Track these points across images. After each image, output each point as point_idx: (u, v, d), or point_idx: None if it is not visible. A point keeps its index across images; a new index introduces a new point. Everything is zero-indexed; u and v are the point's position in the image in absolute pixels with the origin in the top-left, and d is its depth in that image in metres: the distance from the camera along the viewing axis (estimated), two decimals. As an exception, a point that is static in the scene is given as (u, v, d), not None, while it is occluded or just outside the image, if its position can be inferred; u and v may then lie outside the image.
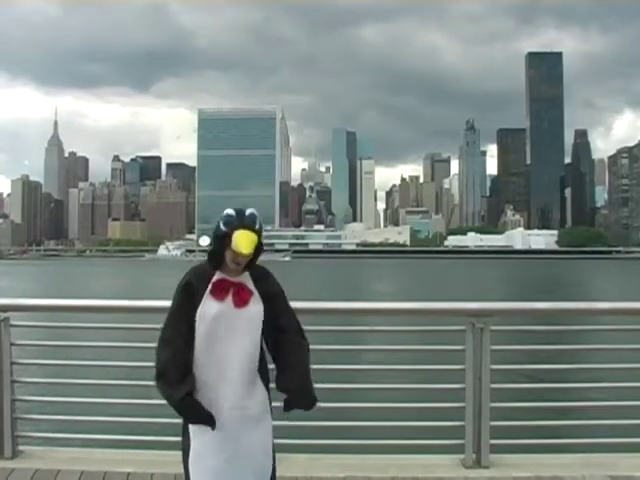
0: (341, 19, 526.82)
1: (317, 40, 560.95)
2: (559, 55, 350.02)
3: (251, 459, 3.30)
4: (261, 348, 3.40)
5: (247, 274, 3.39)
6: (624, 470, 4.76)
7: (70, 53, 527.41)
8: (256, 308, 3.34)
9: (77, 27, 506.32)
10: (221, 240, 3.25)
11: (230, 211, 3.28)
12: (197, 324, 3.27)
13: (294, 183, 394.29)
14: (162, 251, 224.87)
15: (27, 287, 54.92)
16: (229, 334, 3.28)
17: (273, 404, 3.45)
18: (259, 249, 3.31)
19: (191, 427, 3.30)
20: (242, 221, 3.23)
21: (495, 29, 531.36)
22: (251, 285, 3.38)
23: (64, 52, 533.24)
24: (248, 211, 3.29)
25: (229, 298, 3.31)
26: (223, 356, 3.26)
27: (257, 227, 3.26)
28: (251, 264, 3.38)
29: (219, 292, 3.32)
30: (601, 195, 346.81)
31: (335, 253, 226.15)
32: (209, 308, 3.29)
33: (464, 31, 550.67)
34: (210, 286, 3.32)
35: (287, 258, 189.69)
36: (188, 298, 3.32)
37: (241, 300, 3.32)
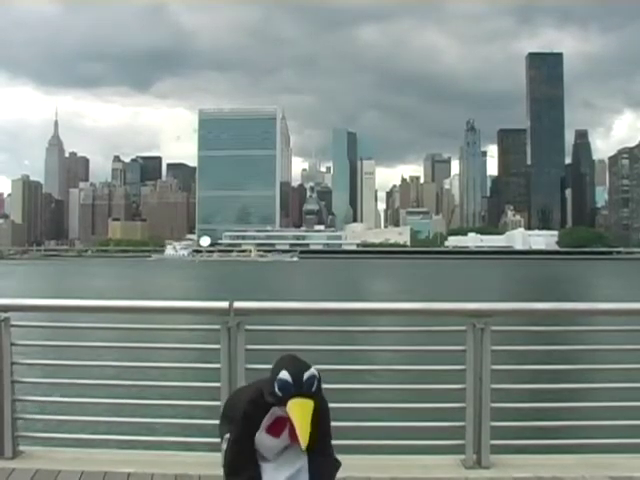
0: (341, 19, 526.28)
1: (317, 40, 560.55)
2: (559, 56, 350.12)
3: None
4: None
5: None
6: (624, 471, 4.75)
7: (70, 53, 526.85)
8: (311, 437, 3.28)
9: (77, 27, 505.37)
10: (276, 401, 3.19)
11: (287, 376, 3.15)
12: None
13: (295, 183, 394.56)
14: (169, 251, 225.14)
15: (31, 287, 54.96)
16: (284, 467, 3.31)
17: None
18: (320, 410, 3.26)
19: None
20: (299, 390, 3.14)
21: (495, 29, 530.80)
22: None
23: (64, 52, 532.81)
24: (307, 375, 3.18)
25: (285, 434, 3.28)
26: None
27: (314, 389, 3.17)
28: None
29: (275, 430, 3.28)
30: (601, 196, 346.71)
31: (336, 253, 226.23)
32: (265, 443, 3.30)
33: (464, 31, 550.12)
34: (266, 422, 3.28)
35: (294, 258, 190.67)
36: (247, 428, 3.31)
37: (297, 437, 3.21)
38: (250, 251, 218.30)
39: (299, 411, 3.10)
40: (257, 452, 3.32)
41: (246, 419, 3.31)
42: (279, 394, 3.13)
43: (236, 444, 3.33)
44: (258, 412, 3.29)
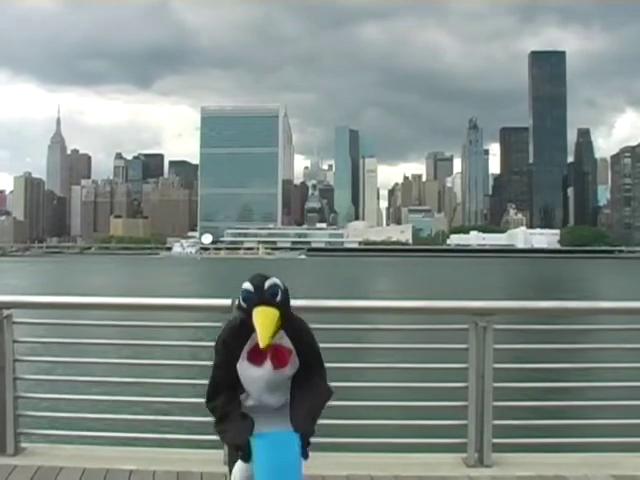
0: (343, 17, 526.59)
1: (319, 38, 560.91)
2: (562, 54, 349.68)
3: None
4: None
5: (282, 332, 3.27)
6: (627, 469, 4.75)
7: (72, 50, 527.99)
8: (294, 366, 3.29)
9: (79, 24, 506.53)
10: (243, 314, 3.20)
11: (248, 286, 3.18)
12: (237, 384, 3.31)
13: (297, 181, 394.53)
14: (177, 248, 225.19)
15: (34, 283, 54.99)
16: (268, 395, 3.28)
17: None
18: (286, 320, 3.23)
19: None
20: (262, 298, 3.15)
21: (497, 28, 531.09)
22: (288, 342, 3.29)
23: (66, 49, 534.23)
24: (268, 283, 3.19)
25: (267, 362, 3.25)
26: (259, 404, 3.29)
27: (279, 299, 3.17)
28: (284, 321, 3.25)
29: (256, 358, 3.25)
30: (603, 194, 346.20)
31: (343, 251, 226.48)
32: (247, 372, 3.26)
33: (466, 30, 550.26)
34: (247, 351, 3.26)
35: (302, 256, 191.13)
36: (227, 356, 3.30)
37: (280, 362, 3.25)
38: (257, 249, 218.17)
39: (261, 316, 3.09)
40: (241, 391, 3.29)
41: (226, 346, 3.31)
42: (244, 306, 3.15)
43: (218, 369, 3.34)
44: (238, 339, 3.27)
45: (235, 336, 3.29)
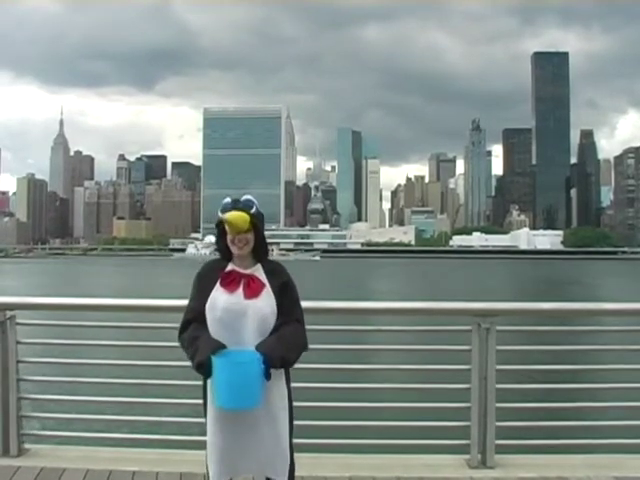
0: (344, 19, 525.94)
1: (321, 39, 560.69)
2: (565, 55, 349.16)
3: (259, 446, 3.29)
4: None
5: (259, 266, 3.39)
6: (630, 471, 4.74)
7: (74, 52, 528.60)
8: (267, 301, 3.32)
9: (80, 26, 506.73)
10: (219, 227, 3.35)
11: (227, 199, 3.35)
12: (207, 315, 3.30)
13: (299, 182, 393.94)
14: (191, 250, 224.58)
15: (46, 284, 55.03)
16: (239, 325, 3.27)
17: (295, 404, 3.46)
18: (259, 232, 3.34)
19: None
20: (236, 205, 3.30)
21: (498, 29, 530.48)
22: (263, 277, 3.37)
23: (68, 51, 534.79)
24: (244, 197, 3.37)
25: (239, 290, 3.31)
26: (234, 346, 3.24)
27: (252, 211, 3.30)
28: (260, 253, 3.41)
29: (229, 284, 3.33)
30: (607, 195, 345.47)
31: (344, 252, 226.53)
32: (219, 299, 3.30)
33: (467, 31, 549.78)
34: (222, 275, 3.35)
35: (317, 257, 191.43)
36: (200, 287, 3.38)
37: (251, 291, 3.31)
38: (272, 250, 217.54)
39: (233, 215, 3.25)
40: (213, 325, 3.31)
41: (200, 279, 3.42)
42: (219, 215, 3.28)
43: (191, 301, 3.42)
44: (213, 270, 3.41)
45: (211, 268, 3.44)
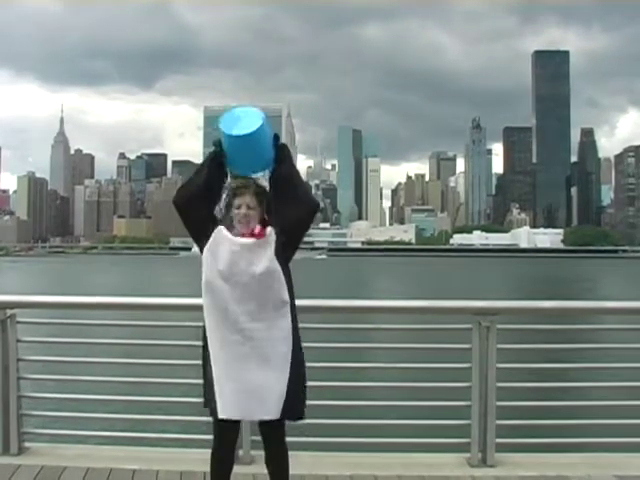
0: (344, 17, 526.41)
1: (321, 38, 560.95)
2: (566, 53, 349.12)
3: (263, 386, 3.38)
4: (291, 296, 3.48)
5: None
6: (631, 470, 4.74)
7: (74, 50, 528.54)
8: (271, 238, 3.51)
9: (80, 24, 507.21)
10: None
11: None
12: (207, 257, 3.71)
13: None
14: (197, 248, 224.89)
15: (40, 283, 55.03)
16: (246, 263, 3.50)
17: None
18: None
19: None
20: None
21: (498, 27, 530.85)
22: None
23: (68, 49, 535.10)
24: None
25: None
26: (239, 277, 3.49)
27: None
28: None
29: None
30: (607, 194, 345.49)
31: (344, 251, 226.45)
32: (220, 237, 3.74)
33: (467, 29, 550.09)
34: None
35: (323, 256, 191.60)
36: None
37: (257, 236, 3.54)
38: None
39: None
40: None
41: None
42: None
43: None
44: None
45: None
